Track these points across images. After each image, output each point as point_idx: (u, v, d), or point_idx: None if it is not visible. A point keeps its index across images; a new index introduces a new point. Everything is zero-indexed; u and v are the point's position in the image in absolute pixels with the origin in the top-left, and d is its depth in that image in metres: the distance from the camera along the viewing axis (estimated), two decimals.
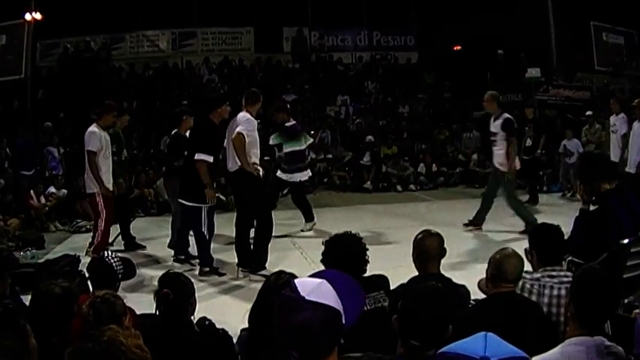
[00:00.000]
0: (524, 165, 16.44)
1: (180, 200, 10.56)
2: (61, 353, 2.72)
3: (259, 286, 4.98)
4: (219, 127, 10.47)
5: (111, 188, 11.14)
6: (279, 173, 13.40)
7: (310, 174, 14.22)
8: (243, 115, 10.10)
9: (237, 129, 9.81)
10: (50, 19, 24.44)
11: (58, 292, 4.41)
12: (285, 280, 4.34)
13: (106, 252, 6.17)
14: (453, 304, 3.81)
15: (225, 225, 11.90)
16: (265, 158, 15.13)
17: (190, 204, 10.15)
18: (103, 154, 10.99)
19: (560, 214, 12.02)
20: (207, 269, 10.13)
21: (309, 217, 13.40)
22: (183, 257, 10.82)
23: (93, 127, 11.08)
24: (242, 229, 10.20)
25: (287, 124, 13.37)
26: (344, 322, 2.67)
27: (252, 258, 9.96)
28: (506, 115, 12.89)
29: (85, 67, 25.45)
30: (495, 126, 12.90)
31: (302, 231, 13.17)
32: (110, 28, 28.21)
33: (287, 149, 13.24)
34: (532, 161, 16.81)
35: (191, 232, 10.65)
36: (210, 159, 9.90)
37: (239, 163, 9.91)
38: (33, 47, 24.30)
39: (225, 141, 10.41)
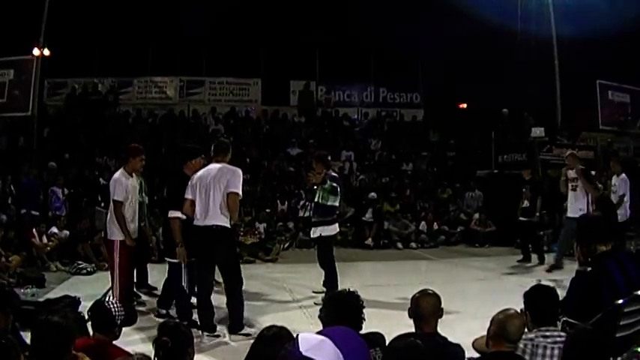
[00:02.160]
0: (521, 226, 16.65)
1: (165, 258, 10.46)
2: None
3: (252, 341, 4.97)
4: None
5: (135, 236, 10.72)
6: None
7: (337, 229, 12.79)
8: (225, 167, 9.31)
9: (231, 189, 9.05)
10: (59, 57, 24.74)
11: (56, 320, 4.56)
12: (274, 331, 4.38)
13: (107, 297, 6.19)
14: None
15: None
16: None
17: (171, 260, 9.98)
18: (128, 203, 10.60)
19: (562, 274, 12.16)
20: (185, 323, 8.93)
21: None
22: (165, 312, 10.42)
23: (119, 175, 10.65)
24: (205, 288, 9.49)
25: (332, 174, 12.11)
26: None
27: (232, 317, 9.35)
28: None
29: (91, 110, 25.69)
30: None
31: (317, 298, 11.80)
32: (119, 72, 28.54)
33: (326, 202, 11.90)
34: (529, 223, 16.92)
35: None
36: (184, 216, 9.65)
37: (212, 221, 9.11)
38: (41, 85, 24.48)
39: (192, 193, 9.35)
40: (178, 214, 9.60)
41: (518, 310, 5.09)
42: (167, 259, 10.24)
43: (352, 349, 2.78)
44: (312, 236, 12.43)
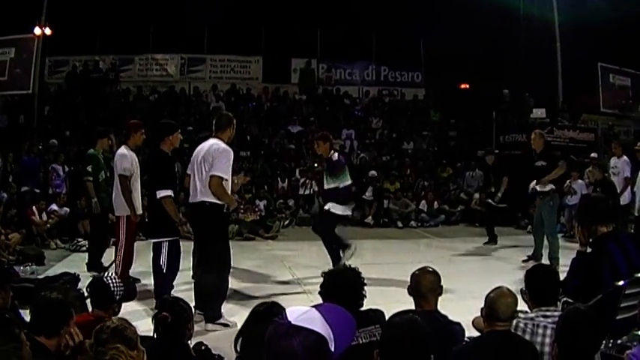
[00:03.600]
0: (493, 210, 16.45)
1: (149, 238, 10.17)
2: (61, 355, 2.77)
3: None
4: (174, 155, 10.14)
5: (140, 211, 10.77)
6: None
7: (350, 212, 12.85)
8: (215, 145, 8.75)
9: (213, 171, 8.51)
10: (60, 35, 24.64)
11: (56, 297, 4.63)
12: (267, 305, 4.37)
13: (107, 272, 6.17)
14: (431, 336, 3.83)
15: None
16: None
17: (155, 240, 9.45)
18: (133, 177, 10.68)
19: (561, 255, 12.15)
20: None
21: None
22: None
23: (123, 150, 10.77)
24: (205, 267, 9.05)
25: (333, 159, 11.83)
26: (333, 349, 2.69)
27: (207, 304, 8.71)
28: None
29: (92, 87, 25.65)
30: None
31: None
32: (120, 49, 28.51)
33: (329, 185, 11.75)
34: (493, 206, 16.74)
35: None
36: (172, 193, 9.26)
37: (202, 197, 8.68)
38: (42, 63, 24.44)
39: (190, 169, 9.10)
40: (167, 192, 9.14)
41: (511, 288, 5.07)
42: (151, 240, 9.66)
43: (339, 321, 2.77)
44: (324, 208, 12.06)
